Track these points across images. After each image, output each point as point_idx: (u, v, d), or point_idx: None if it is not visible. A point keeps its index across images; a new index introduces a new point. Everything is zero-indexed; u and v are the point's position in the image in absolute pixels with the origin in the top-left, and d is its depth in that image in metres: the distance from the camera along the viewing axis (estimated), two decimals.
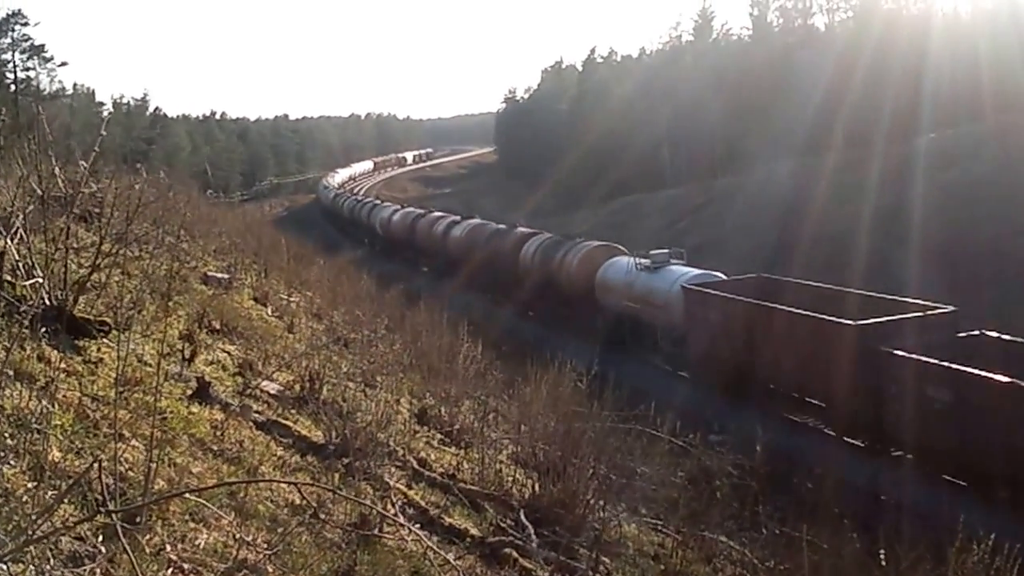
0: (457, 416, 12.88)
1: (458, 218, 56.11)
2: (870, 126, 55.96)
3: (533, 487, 10.16)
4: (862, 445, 22.55)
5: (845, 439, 22.98)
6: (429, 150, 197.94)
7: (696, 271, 31.84)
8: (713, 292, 28.60)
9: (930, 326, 22.42)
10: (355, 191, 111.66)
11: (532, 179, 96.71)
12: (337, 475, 8.32)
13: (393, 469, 9.29)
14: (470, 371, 16.11)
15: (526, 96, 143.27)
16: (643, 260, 33.97)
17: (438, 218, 59.05)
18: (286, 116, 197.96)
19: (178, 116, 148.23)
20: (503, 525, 9.10)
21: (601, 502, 10.09)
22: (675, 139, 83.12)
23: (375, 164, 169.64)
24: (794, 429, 24.74)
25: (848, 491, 19.53)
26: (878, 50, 62.84)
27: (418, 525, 8.05)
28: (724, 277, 31.15)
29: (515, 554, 8.41)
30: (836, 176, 50.17)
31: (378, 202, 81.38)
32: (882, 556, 13.30)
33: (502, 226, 50.12)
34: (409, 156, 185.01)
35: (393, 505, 8.12)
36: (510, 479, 10.51)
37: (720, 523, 12.23)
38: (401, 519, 7.31)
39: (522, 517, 9.19)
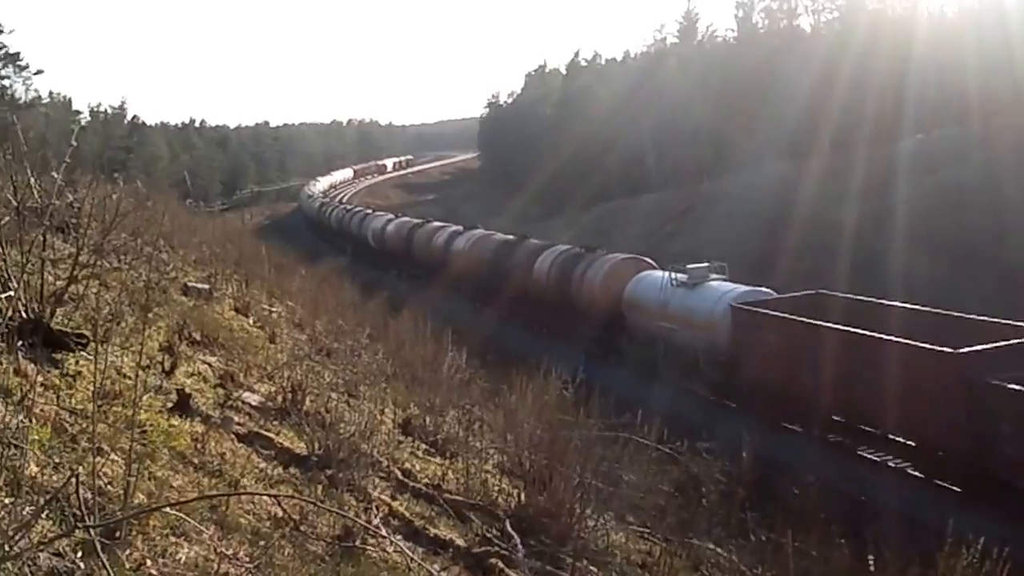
0: (442, 426, 12.80)
1: (461, 228, 53.41)
2: (856, 128, 56.09)
3: (519, 496, 10.09)
4: (957, 490, 19.92)
5: (936, 481, 20.50)
6: (409, 157, 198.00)
7: (743, 287, 29.05)
8: (770, 313, 26.03)
9: None
10: (342, 200, 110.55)
11: (516, 185, 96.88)
12: (320, 487, 8.23)
13: (377, 480, 9.21)
14: (455, 380, 16.04)
15: (510, 101, 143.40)
16: (680, 275, 30.89)
17: (438, 228, 56.35)
18: (267, 123, 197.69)
19: (157, 124, 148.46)
20: (489, 535, 9.02)
21: (588, 511, 10.02)
22: (660, 143, 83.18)
23: (355, 172, 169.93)
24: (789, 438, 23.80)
25: (835, 497, 19.49)
26: (863, 51, 62.94)
27: (402, 537, 7.96)
28: (774, 294, 28.61)
29: (501, 564, 8.33)
30: (822, 180, 50.27)
31: (369, 211, 78.78)
32: (871, 561, 13.37)
33: (511, 237, 46.95)
34: (389, 163, 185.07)
35: (377, 517, 8.03)
36: (496, 489, 10.45)
37: (708, 530, 12.19)
38: (385, 531, 7.21)
39: (508, 527, 9.11)
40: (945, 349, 19.85)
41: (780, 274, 33.88)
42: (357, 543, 7.09)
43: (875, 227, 40.15)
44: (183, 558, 5.69)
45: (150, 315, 10.57)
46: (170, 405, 8.47)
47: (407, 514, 8.73)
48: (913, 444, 21.47)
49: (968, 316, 23.19)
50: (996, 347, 19.98)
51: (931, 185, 41.96)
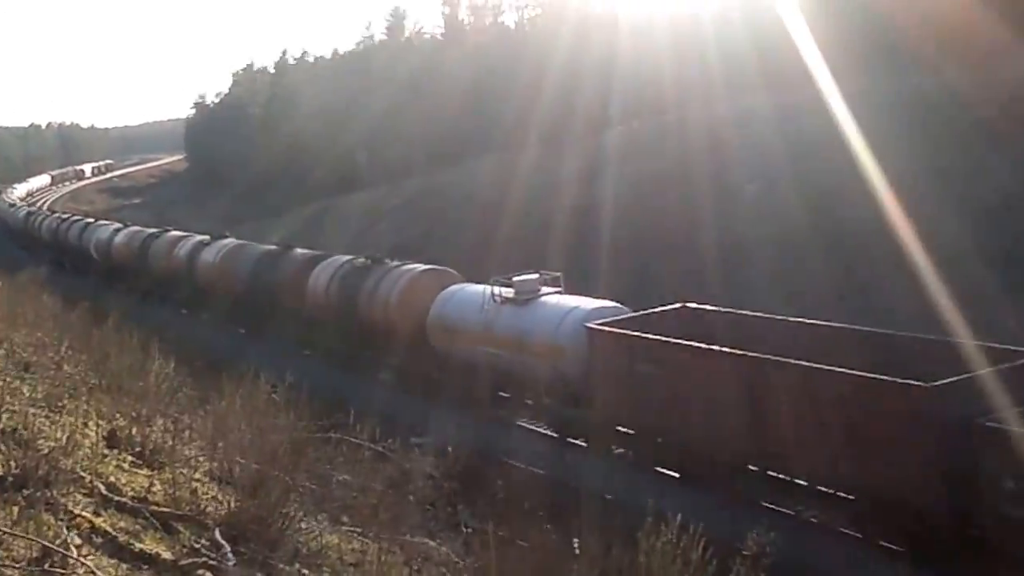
0: (150, 436, 12.48)
1: (207, 238, 46.08)
2: (566, 121, 57.79)
3: (229, 504, 9.98)
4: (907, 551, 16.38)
5: (883, 544, 16.94)
6: (109, 162, 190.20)
7: (591, 302, 24.51)
8: (651, 338, 21.49)
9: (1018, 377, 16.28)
10: (52, 208, 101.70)
11: (225, 186, 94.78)
12: (16, 508, 7.91)
13: (79, 496, 8.91)
14: (163, 388, 15.63)
15: (217, 101, 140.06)
16: (504, 290, 26.01)
17: (180, 239, 48.64)
18: None
19: None
20: (198, 546, 8.89)
21: (300, 514, 10.06)
22: (371, 140, 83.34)
23: (52, 178, 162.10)
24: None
25: (544, 485, 19.96)
26: (570, 46, 64.79)
27: (106, 553, 7.77)
28: (627, 309, 24.22)
29: (209, 575, 8.26)
30: (532, 173, 51.42)
31: (91, 220, 68.35)
32: (576, 546, 13.92)
33: (273, 247, 40.91)
34: (87, 169, 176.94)
35: (75, 535, 7.80)
36: (206, 497, 10.28)
37: (421, 525, 12.43)
38: (80, 551, 7.03)
39: (218, 536, 9.00)
40: (913, 383, 16.09)
41: (493, 268, 32.69)
42: (56, 566, 6.89)
43: (582, 217, 41.27)
44: None
45: None
46: None
47: (111, 530, 8.47)
48: (852, 498, 17.78)
49: (886, 332, 20.27)
50: (972, 377, 16.29)
51: (631, 174, 43.67)
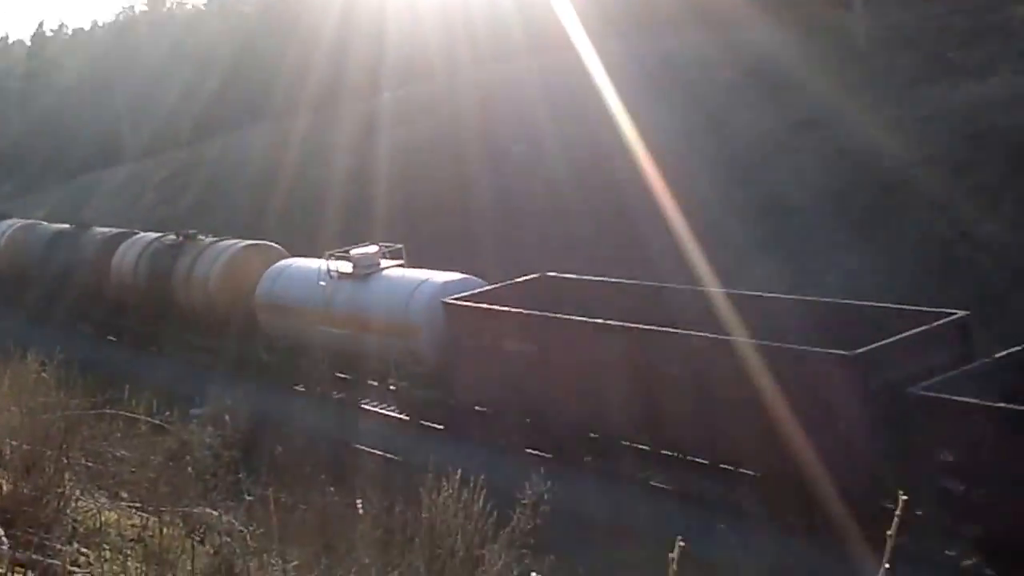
0: None
1: None
2: (335, 88, 57.08)
3: (1, 488, 9.84)
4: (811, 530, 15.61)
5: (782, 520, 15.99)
6: None
7: (442, 275, 23.09)
8: (524, 312, 20.20)
9: (933, 343, 15.80)
10: None
11: None
12: None
13: None
14: None
15: None
16: (341, 265, 24.57)
17: None
18: None
19: None
20: None
21: (77, 492, 9.97)
22: (135, 112, 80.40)
23: None
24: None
25: (325, 447, 19.97)
26: (337, 12, 63.69)
27: None
28: (482, 281, 22.96)
29: None
30: (305, 141, 50.63)
31: None
32: (359, 505, 14.15)
33: (66, 227, 38.15)
34: None
35: None
36: None
37: (204, 495, 12.46)
38: None
39: None
40: (837, 352, 15.12)
41: (271, 235, 32.04)
42: None
43: (356, 182, 40.85)
44: None
45: None
46: None
47: None
48: (757, 475, 16.76)
49: (778, 296, 19.43)
50: (894, 342, 15.39)
51: (405, 138, 43.62)
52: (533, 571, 10.68)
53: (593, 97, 32.08)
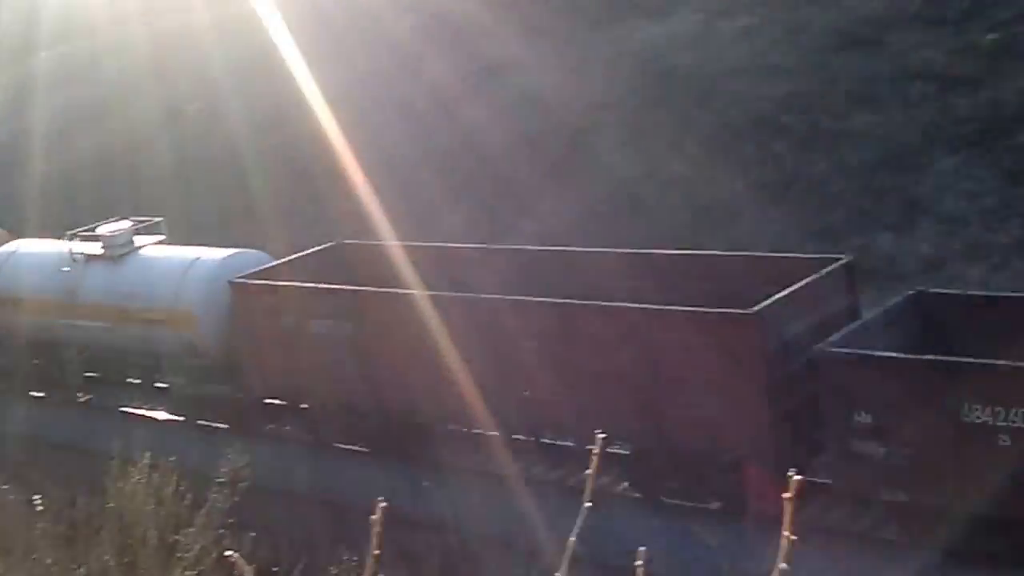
0: None
1: None
2: None
3: None
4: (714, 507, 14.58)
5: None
6: None
7: (218, 252, 20.04)
8: (336, 288, 17.57)
9: (826, 292, 14.65)
10: None
11: None
12: None
13: None
14: None
15: None
16: (88, 246, 21.16)
17: None
18: None
19: None
20: None
21: None
22: None
23: None
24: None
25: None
26: None
27: None
28: (266, 255, 20.23)
29: None
30: None
31: None
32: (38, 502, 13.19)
33: None
34: None
35: None
36: None
37: None
38: None
39: None
40: (732, 310, 13.67)
41: None
42: None
43: (9, 151, 37.39)
44: None
45: None
46: None
47: None
48: (627, 453, 15.16)
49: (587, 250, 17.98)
50: (790, 295, 14.01)
51: (66, 102, 40.05)
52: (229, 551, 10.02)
53: (273, 49, 30.05)
